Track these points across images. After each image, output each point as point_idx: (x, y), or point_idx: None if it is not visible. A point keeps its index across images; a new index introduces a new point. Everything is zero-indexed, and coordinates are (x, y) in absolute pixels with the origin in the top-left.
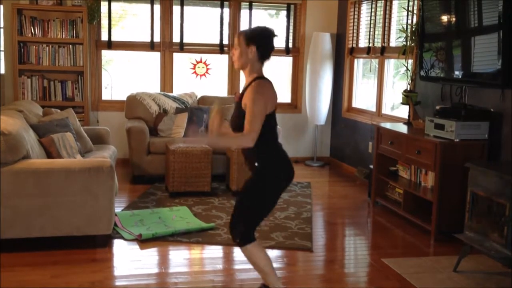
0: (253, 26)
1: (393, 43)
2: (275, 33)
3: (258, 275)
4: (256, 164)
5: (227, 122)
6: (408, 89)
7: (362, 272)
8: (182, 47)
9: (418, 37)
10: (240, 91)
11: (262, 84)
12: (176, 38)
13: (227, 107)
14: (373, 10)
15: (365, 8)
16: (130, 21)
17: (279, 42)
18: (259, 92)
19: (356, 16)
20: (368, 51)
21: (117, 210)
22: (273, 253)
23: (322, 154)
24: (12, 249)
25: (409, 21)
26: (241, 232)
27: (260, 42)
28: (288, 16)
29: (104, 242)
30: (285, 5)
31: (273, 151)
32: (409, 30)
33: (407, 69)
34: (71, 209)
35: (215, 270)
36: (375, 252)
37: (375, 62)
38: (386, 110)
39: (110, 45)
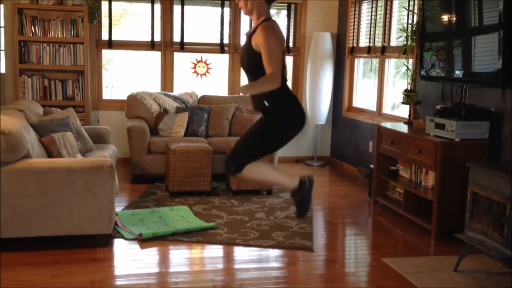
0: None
1: (393, 43)
2: None
3: (258, 276)
4: (266, 103)
5: None
6: (409, 88)
7: (362, 271)
8: (182, 46)
9: (418, 37)
10: (250, 31)
11: (272, 24)
12: (176, 38)
13: (227, 106)
14: (373, 9)
15: (365, 7)
16: (130, 21)
17: None
18: (271, 32)
19: (356, 16)
20: (369, 50)
21: (118, 209)
22: (273, 253)
23: (322, 153)
24: (12, 249)
25: (410, 21)
26: (237, 164)
27: None
28: (288, 16)
29: (104, 242)
30: (286, 4)
31: (284, 92)
32: (409, 30)
33: (408, 68)
34: (71, 208)
35: (215, 270)
36: (376, 252)
37: (375, 61)
38: (386, 109)
39: (111, 44)
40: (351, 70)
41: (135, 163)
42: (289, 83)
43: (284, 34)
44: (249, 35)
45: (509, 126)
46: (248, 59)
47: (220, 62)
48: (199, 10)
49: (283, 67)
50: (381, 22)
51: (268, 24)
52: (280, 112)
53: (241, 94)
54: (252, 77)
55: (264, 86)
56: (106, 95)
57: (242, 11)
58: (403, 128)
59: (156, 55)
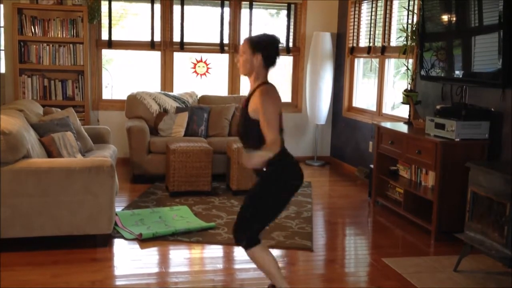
0: (258, 33)
1: (393, 43)
2: (281, 41)
3: (258, 275)
4: (264, 168)
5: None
6: (409, 88)
7: (362, 271)
8: (182, 46)
9: (418, 37)
10: (246, 96)
11: (268, 89)
12: (176, 38)
13: (227, 106)
14: (373, 9)
15: (365, 7)
16: (130, 21)
17: None
18: (268, 97)
19: (356, 16)
20: (369, 50)
21: (118, 209)
22: (273, 253)
23: (322, 153)
24: (12, 249)
25: (410, 21)
26: (247, 236)
27: (266, 50)
28: (288, 16)
29: (104, 242)
30: (286, 4)
31: (281, 156)
32: (409, 30)
33: (408, 68)
34: (71, 208)
35: (215, 270)
36: (376, 252)
37: (375, 61)
38: (386, 109)
39: (111, 44)
40: (351, 70)
41: (135, 163)
42: (289, 83)
43: (284, 34)
44: (245, 104)
45: (509, 126)
46: (247, 131)
47: (220, 62)
48: (199, 10)
49: (281, 130)
50: (381, 22)
51: (265, 88)
52: (276, 174)
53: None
54: (250, 145)
55: (268, 156)
56: (106, 95)
57: (239, 70)
58: (403, 128)
59: (156, 55)
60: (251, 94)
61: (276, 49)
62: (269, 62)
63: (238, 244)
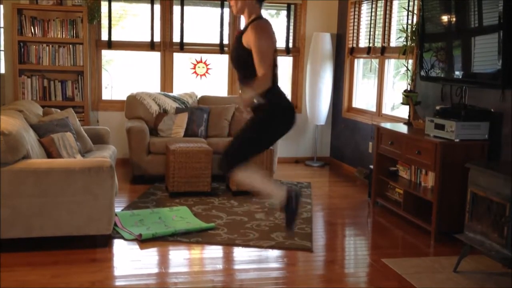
0: None
1: (393, 43)
2: None
3: (258, 276)
4: (255, 101)
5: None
6: (408, 89)
7: (362, 272)
8: (182, 47)
9: (418, 37)
10: (241, 28)
11: (262, 23)
12: (176, 38)
13: (226, 107)
14: (373, 10)
15: (365, 8)
16: (130, 21)
17: (279, 42)
18: (262, 31)
19: (356, 16)
20: (368, 51)
21: (117, 210)
22: (273, 253)
23: (322, 154)
24: (12, 249)
25: (409, 21)
26: (231, 164)
27: None
28: (288, 16)
29: (104, 242)
30: (285, 5)
31: (274, 91)
32: (409, 30)
33: (407, 69)
34: (71, 209)
35: (215, 270)
36: (375, 252)
37: (375, 62)
38: (386, 110)
39: (110, 45)
40: (350, 70)
41: (134, 164)
42: (289, 83)
43: (284, 34)
44: (240, 33)
45: (508, 126)
46: (238, 57)
47: (220, 63)
48: (198, 11)
49: (274, 65)
50: (381, 22)
51: (259, 23)
52: (270, 108)
53: (243, 104)
54: (242, 74)
55: (259, 90)
56: (106, 95)
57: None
58: (403, 128)
59: (156, 56)
60: (246, 28)
61: None
62: None
63: (222, 172)
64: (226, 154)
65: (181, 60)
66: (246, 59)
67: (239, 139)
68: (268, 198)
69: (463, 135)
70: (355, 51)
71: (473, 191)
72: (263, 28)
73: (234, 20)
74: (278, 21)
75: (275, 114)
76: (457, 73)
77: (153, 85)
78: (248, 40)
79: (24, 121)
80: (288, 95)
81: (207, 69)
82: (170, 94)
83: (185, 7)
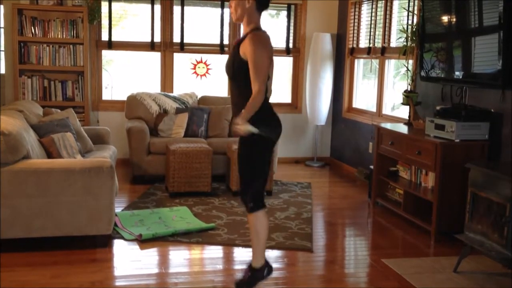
0: None
1: (393, 44)
2: None
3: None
4: (252, 130)
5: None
6: (409, 89)
7: (362, 272)
8: (182, 47)
9: (418, 38)
10: (240, 38)
11: (260, 36)
12: (176, 38)
13: (227, 107)
14: (373, 10)
15: (365, 8)
16: (130, 21)
17: (279, 42)
18: (260, 45)
19: (356, 17)
20: (369, 51)
21: (117, 210)
22: (273, 254)
23: (322, 154)
24: (12, 249)
25: (410, 22)
26: (253, 195)
27: None
28: (288, 16)
29: (104, 242)
30: (286, 5)
31: (264, 107)
32: (409, 31)
33: (408, 69)
34: (71, 209)
35: (215, 271)
36: (375, 253)
37: (375, 62)
38: (386, 110)
39: (111, 45)
40: (351, 71)
41: (134, 164)
42: (289, 83)
43: (284, 34)
44: (238, 43)
45: (509, 127)
46: (233, 67)
47: (220, 63)
48: (199, 11)
49: (267, 78)
50: (381, 23)
51: (257, 35)
52: (258, 124)
53: (240, 125)
54: (236, 85)
55: (256, 108)
56: (106, 95)
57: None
58: (403, 129)
59: (156, 56)
60: (244, 38)
61: None
62: (261, 4)
63: (247, 208)
64: (244, 191)
65: (181, 60)
66: (241, 69)
67: (247, 173)
68: (252, 255)
69: (463, 135)
70: (355, 51)
71: (473, 191)
72: (261, 41)
73: None
74: (278, 21)
75: (259, 143)
76: (457, 73)
77: (153, 85)
78: (245, 50)
79: (24, 121)
80: (288, 96)
81: (207, 69)
82: (170, 94)
83: (185, 7)
